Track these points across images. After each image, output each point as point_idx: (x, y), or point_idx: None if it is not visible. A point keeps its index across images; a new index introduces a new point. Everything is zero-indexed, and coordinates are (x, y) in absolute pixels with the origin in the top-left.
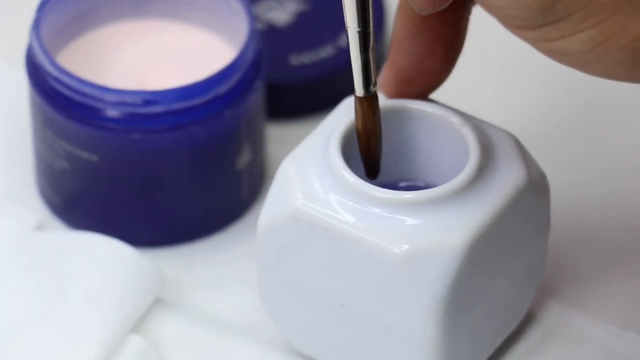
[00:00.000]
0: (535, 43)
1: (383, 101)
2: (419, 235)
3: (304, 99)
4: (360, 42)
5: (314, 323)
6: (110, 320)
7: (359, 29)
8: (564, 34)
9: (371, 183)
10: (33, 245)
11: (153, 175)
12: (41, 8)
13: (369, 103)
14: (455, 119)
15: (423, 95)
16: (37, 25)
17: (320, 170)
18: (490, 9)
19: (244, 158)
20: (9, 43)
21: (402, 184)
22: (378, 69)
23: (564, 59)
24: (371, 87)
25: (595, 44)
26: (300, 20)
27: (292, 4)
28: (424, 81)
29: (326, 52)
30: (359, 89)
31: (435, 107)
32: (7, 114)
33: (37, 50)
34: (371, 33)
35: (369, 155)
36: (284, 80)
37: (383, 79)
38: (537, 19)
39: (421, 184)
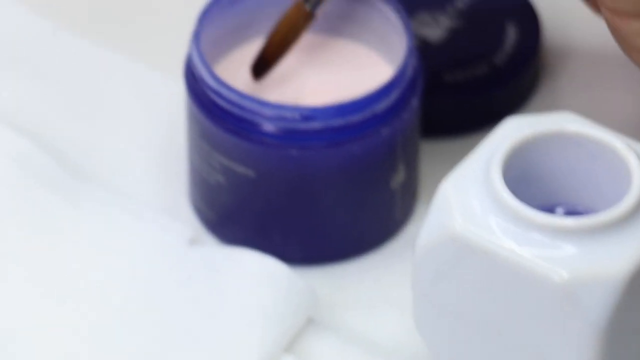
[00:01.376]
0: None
1: (542, 125)
2: (580, 263)
3: (457, 117)
4: None
5: (469, 349)
6: (264, 338)
7: None
8: None
9: (528, 206)
10: (187, 260)
11: (308, 192)
12: (201, 19)
13: (303, 13)
14: (618, 144)
15: None
16: (197, 36)
17: (480, 193)
18: None
19: (399, 177)
20: (165, 54)
21: (560, 209)
22: (535, 82)
23: None
24: (308, 3)
25: None
26: (455, 37)
27: (446, 20)
28: None
29: (481, 69)
30: None
31: (596, 130)
32: (164, 126)
33: (197, 62)
34: None
35: (270, 51)
36: (436, 97)
37: None
38: None
39: (580, 209)
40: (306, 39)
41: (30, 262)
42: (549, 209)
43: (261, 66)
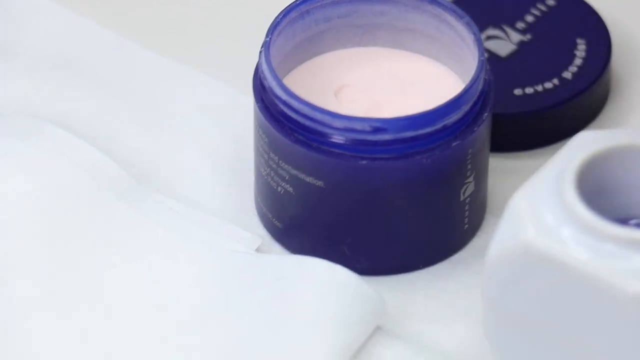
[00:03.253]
0: None
1: (615, 138)
2: None
3: (526, 131)
4: None
5: (538, 359)
6: (333, 346)
7: None
8: None
9: (601, 217)
10: (255, 268)
11: (377, 203)
12: (271, 31)
13: None
14: None
15: None
16: (266, 48)
17: (552, 204)
18: None
19: (468, 189)
20: (233, 65)
21: (633, 222)
22: (605, 97)
23: None
24: None
25: None
26: (525, 51)
27: (516, 34)
28: None
29: (551, 83)
30: None
31: None
32: (231, 137)
33: (267, 73)
34: None
35: None
36: (506, 111)
37: None
38: None
39: None
40: (378, 53)
41: (98, 271)
42: (622, 222)
43: None
